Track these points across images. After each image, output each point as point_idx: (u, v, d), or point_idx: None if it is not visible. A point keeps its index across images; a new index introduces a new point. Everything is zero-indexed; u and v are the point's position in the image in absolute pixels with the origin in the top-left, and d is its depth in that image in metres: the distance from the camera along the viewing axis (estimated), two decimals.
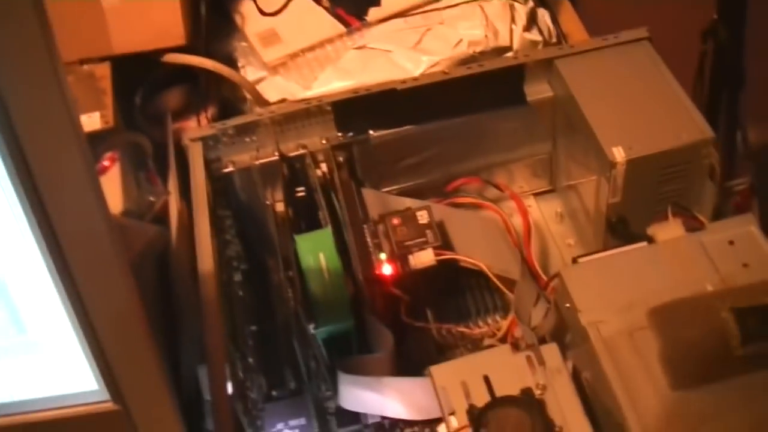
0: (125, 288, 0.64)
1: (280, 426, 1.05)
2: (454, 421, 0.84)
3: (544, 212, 1.25)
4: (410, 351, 1.05)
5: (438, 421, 0.95)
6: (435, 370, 0.87)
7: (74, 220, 0.61)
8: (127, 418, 0.70)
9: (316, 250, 1.00)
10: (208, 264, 0.96)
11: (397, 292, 1.03)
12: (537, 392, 0.84)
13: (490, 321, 1.10)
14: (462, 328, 1.08)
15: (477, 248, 1.08)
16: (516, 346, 0.90)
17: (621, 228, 1.06)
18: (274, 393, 1.08)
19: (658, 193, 1.05)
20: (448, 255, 1.04)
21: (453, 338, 1.08)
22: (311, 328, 0.96)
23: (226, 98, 1.37)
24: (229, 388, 0.91)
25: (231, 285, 1.06)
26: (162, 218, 1.17)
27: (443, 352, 1.08)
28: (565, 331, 0.92)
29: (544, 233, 1.23)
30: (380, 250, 1.05)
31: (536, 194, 1.28)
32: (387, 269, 1.03)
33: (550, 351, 0.88)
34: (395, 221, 1.06)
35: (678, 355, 0.83)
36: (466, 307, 1.10)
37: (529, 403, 0.82)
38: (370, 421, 1.03)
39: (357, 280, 1.02)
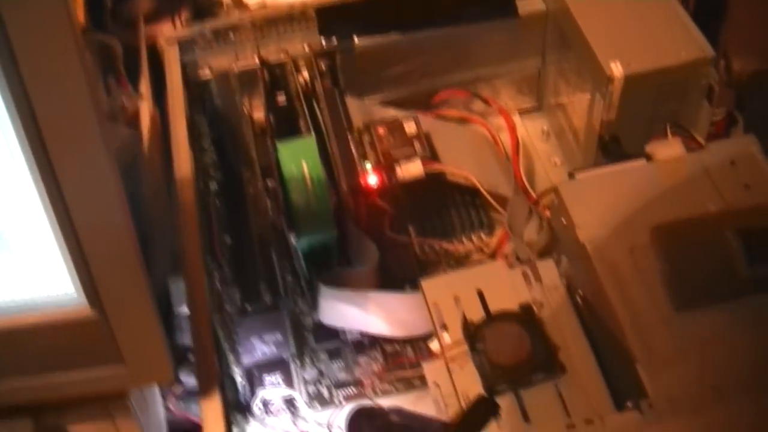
0: (111, 182, 0.59)
1: (254, 341, 1.00)
2: (446, 337, 0.79)
3: (529, 130, 1.21)
4: (391, 267, 1.01)
5: (420, 339, 0.90)
6: (426, 283, 0.83)
7: (55, 98, 0.55)
8: (106, 326, 0.65)
9: (298, 158, 0.95)
10: (185, 169, 0.91)
11: (382, 204, 0.99)
12: (535, 309, 0.80)
13: (475, 239, 1.05)
14: (446, 245, 1.03)
15: (465, 162, 1.04)
16: (509, 262, 0.85)
17: (613, 147, 1.02)
18: (248, 307, 1.03)
19: (652, 113, 1.01)
20: (437, 166, 0.99)
21: (436, 255, 1.04)
22: (292, 238, 0.91)
23: (200, 2, 1.31)
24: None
25: (207, 194, 1.01)
26: (133, 123, 1.11)
27: (425, 268, 1.04)
28: (558, 249, 0.88)
29: (530, 152, 1.19)
30: (365, 159, 1.00)
31: (521, 112, 1.23)
32: (372, 179, 0.99)
33: (547, 267, 0.84)
34: (381, 131, 1.01)
35: (681, 275, 0.80)
36: (451, 223, 1.06)
37: (529, 319, 0.79)
38: (349, 338, 0.98)
39: (340, 191, 0.98)
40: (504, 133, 1.12)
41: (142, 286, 0.64)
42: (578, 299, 0.84)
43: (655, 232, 0.82)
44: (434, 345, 0.80)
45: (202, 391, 0.74)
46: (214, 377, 0.76)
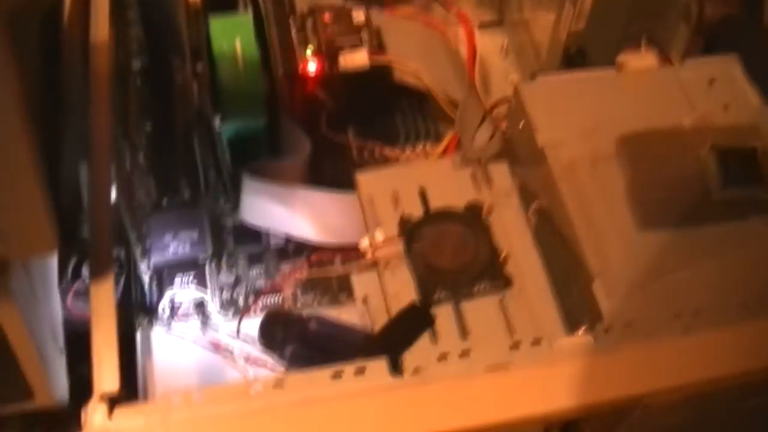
0: None
1: (167, 237, 0.90)
2: (379, 234, 0.69)
3: (487, 45, 1.10)
4: (324, 170, 0.90)
5: (350, 250, 0.80)
6: (362, 176, 0.73)
7: None
8: None
9: (231, 35, 0.85)
10: (103, 32, 0.79)
11: (320, 95, 0.88)
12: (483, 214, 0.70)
13: (419, 150, 0.95)
14: (388, 151, 0.93)
15: (417, 62, 0.92)
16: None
17: (579, 61, 0.92)
18: (164, 202, 0.92)
19: (625, 28, 0.90)
20: (385, 58, 0.89)
21: (375, 161, 0.94)
22: (217, 122, 0.81)
23: None
24: (113, 191, 0.75)
25: (128, 71, 0.90)
26: None
27: None
28: (513, 159, 0.78)
29: (487, 68, 1.08)
30: (306, 46, 0.89)
31: (481, 26, 1.12)
32: (312, 66, 0.88)
33: (499, 171, 0.74)
34: (327, 17, 0.91)
35: (648, 192, 0.71)
36: (395, 129, 0.96)
37: (475, 221, 0.69)
38: (272, 243, 0.88)
39: (275, 76, 0.87)
40: (461, 44, 1.00)
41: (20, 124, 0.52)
42: (531, 211, 0.73)
43: (622, 143, 0.74)
44: (364, 243, 0.70)
45: (93, 277, 0.63)
46: (107, 263, 0.65)
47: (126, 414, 0.59)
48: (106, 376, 0.60)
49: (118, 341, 0.62)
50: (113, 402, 0.59)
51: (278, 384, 0.60)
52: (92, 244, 0.66)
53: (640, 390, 0.63)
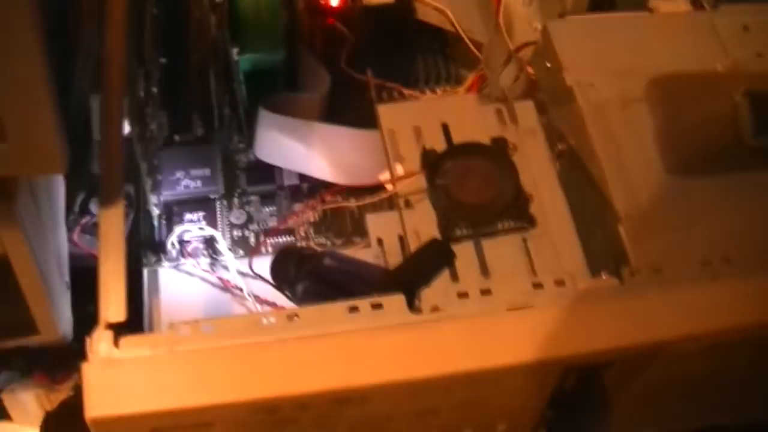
0: None
1: (179, 174, 0.88)
2: (400, 169, 0.66)
3: None
4: (341, 108, 0.87)
5: (367, 192, 0.78)
6: (383, 109, 0.70)
7: None
8: None
9: None
10: None
11: (341, 29, 0.85)
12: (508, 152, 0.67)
13: (439, 92, 0.92)
14: (408, 92, 0.89)
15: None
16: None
17: (607, 6, 0.89)
18: (177, 138, 0.90)
19: None
20: None
21: (394, 102, 0.90)
22: (235, 53, 0.78)
23: None
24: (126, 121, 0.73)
25: None
26: None
27: None
28: (539, 101, 0.76)
29: (510, 14, 1.04)
30: None
31: None
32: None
33: (525, 109, 0.71)
34: None
35: (678, 136, 0.68)
36: (415, 69, 0.93)
37: (501, 156, 0.66)
38: (286, 182, 0.86)
39: (296, 9, 0.84)
40: None
41: (31, 39, 0.50)
42: (558, 152, 0.71)
43: (653, 86, 0.71)
44: (385, 175, 0.67)
45: (102, 206, 0.61)
46: (117, 192, 0.62)
47: (132, 343, 0.56)
48: (113, 305, 0.58)
49: (125, 273, 0.59)
50: (119, 332, 0.57)
51: (291, 317, 0.57)
52: (103, 169, 0.63)
53: (665, 336, 0.60)
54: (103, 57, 0.69)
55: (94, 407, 0.54)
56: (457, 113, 0.71)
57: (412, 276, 0.62)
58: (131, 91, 0.76)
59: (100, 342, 0.57)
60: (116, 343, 0.57)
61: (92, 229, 0.87)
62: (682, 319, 0.61)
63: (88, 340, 0.56)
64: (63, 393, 0.88)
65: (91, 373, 0.55)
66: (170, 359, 0.56)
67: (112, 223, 0.62)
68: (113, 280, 0.59)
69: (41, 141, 0.56)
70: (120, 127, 0.67)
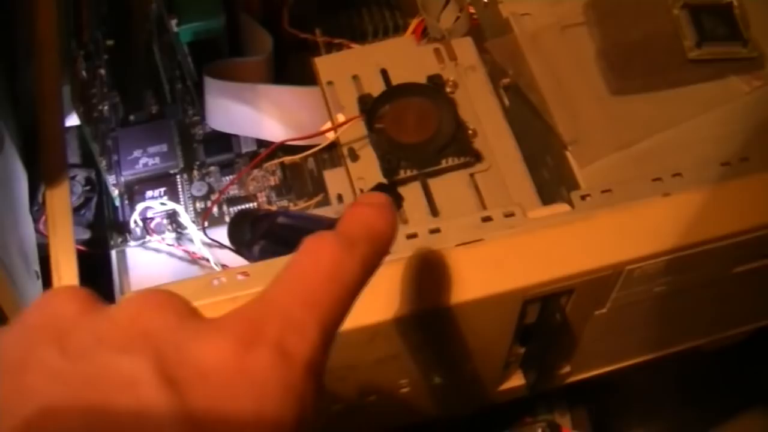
0: None
1: (137, 153, 0.87)
2: (341, 117, 0.66)
3: None
4: (291, 69, 0.87)
5: (324, 152, 0.77)
6: (320, 60, 0.69)
7: None
8: None
9: None
10: None
11: None
12: (447, 89, 0.66)
13: None
14: (356, 46, 0.89)
15: None
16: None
17: None
18: (131, 118, 0.89)
19: None
20: None
21: None
22: (174, 24, 0.77)
23: None
24: (74, 117, 0.72)
25: None
26: None
27: None
28: (479, 38, 0.75)
29: None
30: None
31: None
32: None
33: (463, 45, 0.71)
34: None
35: (618, 56, 0.67)
36: (361, 25, 0.92)
37: (438, 93, 0.65)
38: (244, 149, 0.85)
39: None
40: None
41: None
42: (501, 86, 0.70)
43: (590, 8, 0.71)
44: (326, 126, 0.67)
45: (47, 186, 0.61)
46: (59, 169, 0.62)
47: None
48: (66, 283, 0.57)
49: (75, 249, 0.59)
50: None
51: (242, 275, 0.57)
52: (42, 151, 0.62)
53: (622, 257, 0.60)
54: (35, 42, 0.68)
55: None
56: (395, 57, 0.71)
57: None
58: (72, 73, 0.75)
59: None
60: None
61: None
62: (637, 238, 0.60)
63: None
64: None
65: None
66: None
67: (57, 201, 0.62)
68: (64, 259, 0.59)
69: None
70: (57, 109, 0.67)
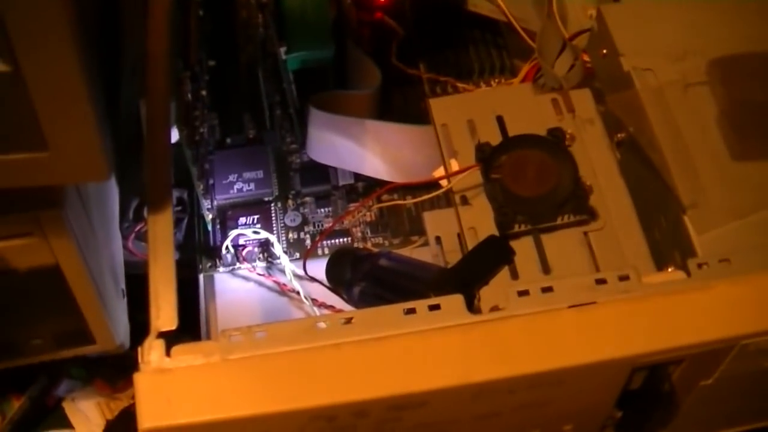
0: None
1: (232, 177, 0.87)
2: (454, 164, 0.64)
3: None
4: (393, 104, 0.86)
5: (423, 189, 0.76)
6: (435, 102, 0.68)
7: None
8: (21, 88, 0.50)
9: None
10: None
11: (390, 23, 0.84)
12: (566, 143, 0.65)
13: (494, 83, 0.89)
14: (462, 85, 0.87)
15: None
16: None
17: None
18: (228, 140, 0.89)
19: None
20: None
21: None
22: (283, 52, 0.76)
23: None
24: (174, 123, 0.71)
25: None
26: None
27: None
28: (596, 89, 0.73)
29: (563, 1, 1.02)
30: None
31: None
32: None
33: (582, 97, 0.69)
34: None
35: (743, 119, 0.65)
36: (469, 62, 0.90)
37: (558, 147, 0.64)
38: (341, 182, 0.84)
39: (343, 3, 0.82)
40: None
41: (70, 44, 0.48)
42: (617, 140, 0.68)
43: (715, 67, 0.68)
44: (439, 171, 0.65)
45: (150, 211, 0.59)
46: (164, 196, 0.61)
47: (183, 352, 0.55)
48: (164, 313, 0.57)
49: (176, 279, 0.58)
50: (170, 340, 0.55)
51: (347, 321, 0.55)
52: (149, 175, 0.61)
53: (738, 331, 0.57)
54: (147, 60, 0.68)
55: (147, 418, 0.52)
56: (511, 104, 0.69)
57: (470, 275, 0.60)
58: (178, 94, 0.74)
59: (151, 351, 0.55)
60: (168, 352, 0.55)
61: (147, 236, 0.85)
62: (755, 312, 0.57)
63: (139, 350, 0.55)
64: (123, 401, 0.87)
65: (143, 383, 0.54)
66: (223, 367, 0.55)
67: (161, 229, 0.60)
68: (163, 287, 0.58)
69: (83, 149, 0.54)
70: (167, 130, 0.66)
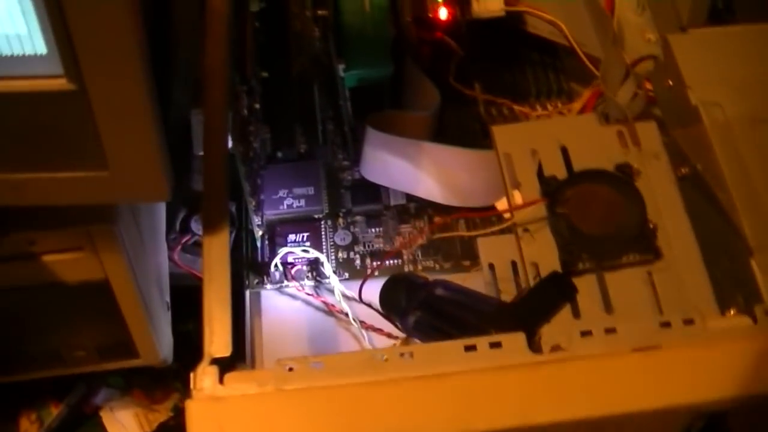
0: None
1: (282, 193, 0.85)
2: (518, 195, 0.63)
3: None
4: (448, 125, 0.84)
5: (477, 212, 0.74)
6: (498, 130, 0.66)
7: None
8: (84, 107, 0.49)
9: None
10: None
11: (450, 43, 0.82)
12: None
13: (551, 107, 0.88)
14: (518, 107, 0.86)
15: (554, 12, 0.85)
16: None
17: (727, 17, 0.84)
18: (279, 154, 0.87)
19: None
20: (522, 7, 0.82)
21: (503, 118, 0.87)
22: (341, 69, 0.75)
23: None
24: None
25: (245, 10, 0.84)
26: None
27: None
28: (659, 120, 0.72)
29: (622, 23, 1.00)
30: None
31: None
32: (443, 12, 0.81)
33: (648, 130, 0.67)
34: None
35: None
36: (526, 84, 0.89)
37: (626, 184, 0.62)
38: (393, 202, 0.83)
39: (402, 21, 0.80)
40: None
41: (137, 66, 0.47)
42: (681, 175, 0.67)
43: None
44: (502, 204, 0.64)
45: (206, 233, 0.58)
46: (221, 218, 0.60)
47: (237, 380, 0.54)
48: (218, 339, 0.55)
49: (230, 304, 0.57)
50: (224, 367, 0.54)
51: (405, 355, 0.54)
52: (207, 196, 0.60)
53: None
54: (205, 72, 0.66)
55: None
56: (575, 135, 0.67)
57: (532, 312, 0.58)
58: (234, 109, 0.73)
59: (204, 378, 0.54)
60: (221, 379, 0.54)
61: (193, 248, 0.85)
62: None
63: (192, 376, 0.54)
64: (161, 413, 0.86)
65: (195, 410, 0.53)
66: (278, 398, 0.54)
67: (217, 250, 0.59)
68: (218, 312, 0.57)
69: (144, 169, 0.54)
70: (224, 145, 0.65)
